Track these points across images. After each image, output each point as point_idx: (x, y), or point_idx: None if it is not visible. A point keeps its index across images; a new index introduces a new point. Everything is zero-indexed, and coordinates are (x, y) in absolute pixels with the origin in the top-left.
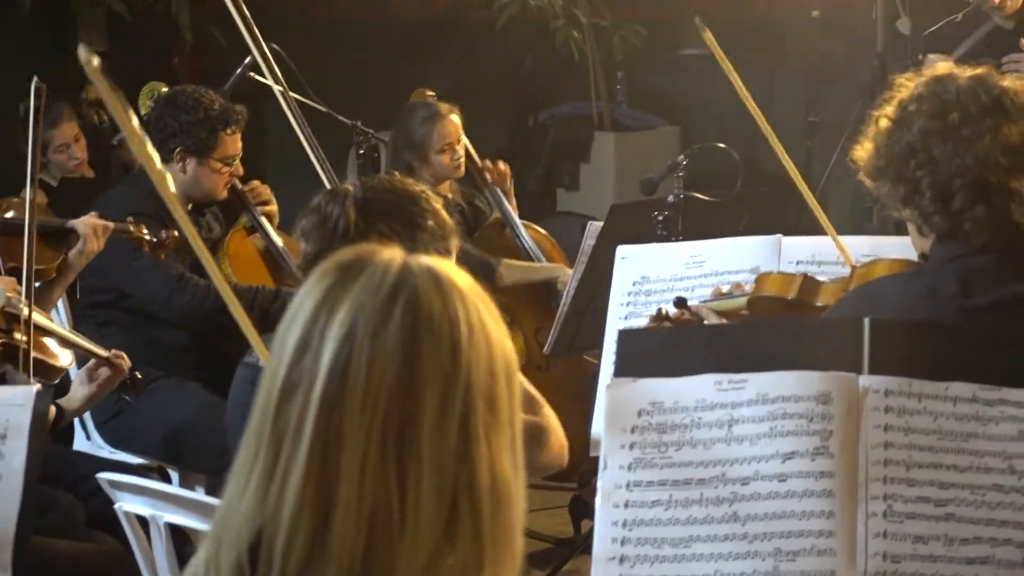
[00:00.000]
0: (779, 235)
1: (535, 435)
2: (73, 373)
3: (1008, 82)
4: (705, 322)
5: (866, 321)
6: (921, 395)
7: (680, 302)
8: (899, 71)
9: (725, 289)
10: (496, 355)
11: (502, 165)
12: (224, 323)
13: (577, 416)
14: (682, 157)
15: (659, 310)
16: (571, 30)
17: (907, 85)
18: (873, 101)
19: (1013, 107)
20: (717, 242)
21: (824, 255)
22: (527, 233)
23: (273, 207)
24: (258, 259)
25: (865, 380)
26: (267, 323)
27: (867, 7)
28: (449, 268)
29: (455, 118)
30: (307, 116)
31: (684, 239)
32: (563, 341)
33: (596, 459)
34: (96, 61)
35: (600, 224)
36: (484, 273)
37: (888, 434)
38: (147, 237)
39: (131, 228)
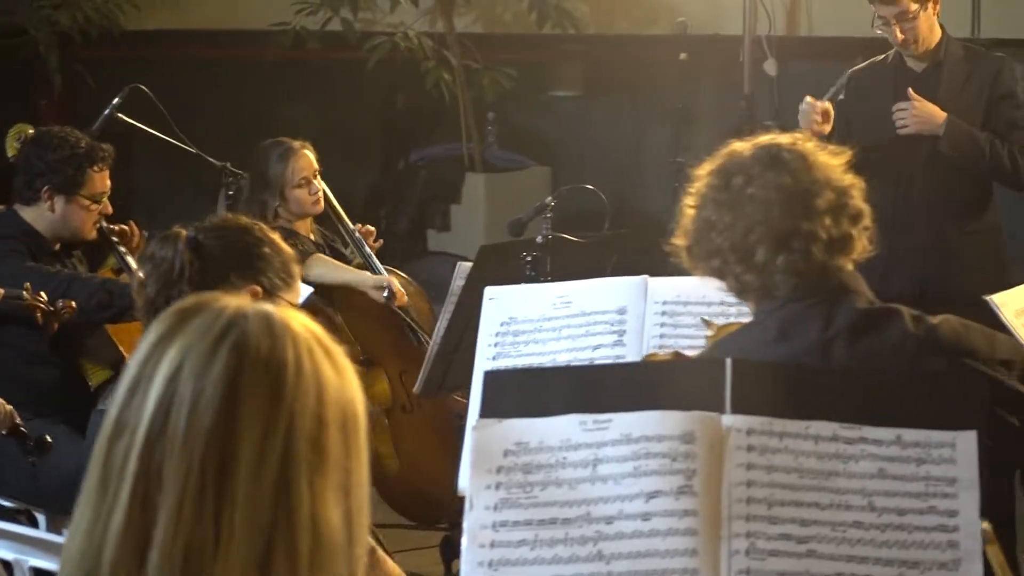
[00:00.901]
0: (645, 276)
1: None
2: None
3: (786, 138)
4: None
5: (728, 361)
6: (783, 434)
7: None
8: (767, 114)
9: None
10: (328, 401)
11: (369, 227)
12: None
13: (446, 456)
14: (550, 198)
15: None
16: (441, 71)
17: (702, 174)
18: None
19: (791, 157)
20: (584, 283)
21: (689, 296)
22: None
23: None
24: None
25: (728, 419)
26: (89, 310)
27: (735, 50)
28: (288, 314)
29: (308, 153)
30: (177, 157)
31: (553, 280)
32: (433, 381)
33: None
34: None
35: (469, 265)
36: (302, 256)
37: (750, 472)
38: (43, 306)
39: (26, 295)
